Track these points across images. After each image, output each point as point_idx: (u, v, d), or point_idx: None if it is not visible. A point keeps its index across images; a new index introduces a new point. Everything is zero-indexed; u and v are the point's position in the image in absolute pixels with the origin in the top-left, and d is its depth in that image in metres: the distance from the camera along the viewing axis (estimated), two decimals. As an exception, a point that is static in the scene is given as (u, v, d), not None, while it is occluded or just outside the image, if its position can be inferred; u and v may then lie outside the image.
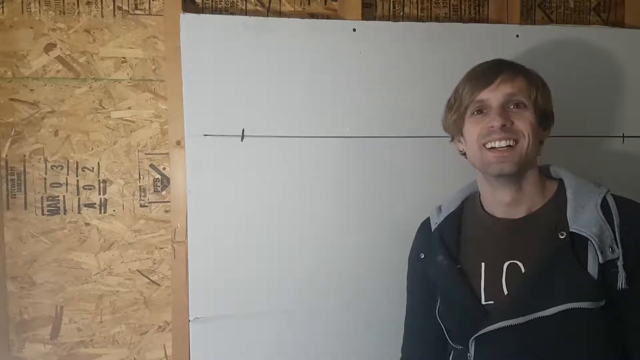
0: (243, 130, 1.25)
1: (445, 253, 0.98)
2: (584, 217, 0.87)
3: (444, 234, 1.01)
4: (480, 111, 0.93)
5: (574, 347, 0.85)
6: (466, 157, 1.00)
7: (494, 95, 0.91)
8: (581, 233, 0.86)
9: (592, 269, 0.85)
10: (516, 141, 0.90)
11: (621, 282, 0.84)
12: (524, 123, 0.90)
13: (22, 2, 1.25)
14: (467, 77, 0.97)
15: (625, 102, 1.40)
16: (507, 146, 0.90)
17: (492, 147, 0.91)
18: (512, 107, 0.91)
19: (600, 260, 0.84)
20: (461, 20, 1.43)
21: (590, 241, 0.85)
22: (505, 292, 0.90)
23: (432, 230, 1.05)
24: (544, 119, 0.95)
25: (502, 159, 0.90)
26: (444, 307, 0.99)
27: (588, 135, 1.39)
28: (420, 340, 1.08)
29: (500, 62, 0.95)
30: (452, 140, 1.04)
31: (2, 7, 1.24)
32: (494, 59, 0.98)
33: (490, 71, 0.93)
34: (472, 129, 0.94)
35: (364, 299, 1.30)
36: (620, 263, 0.84)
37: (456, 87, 0.98)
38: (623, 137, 1.40)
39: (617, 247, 0.84)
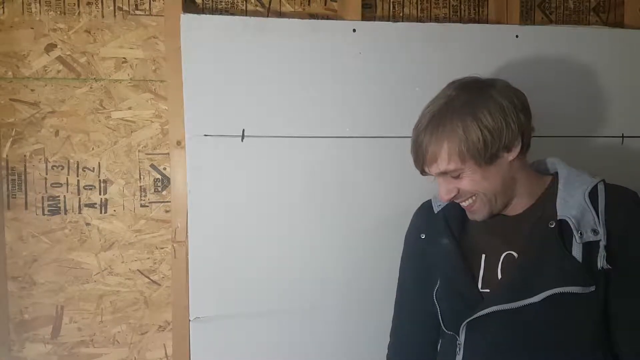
0: (243, 131, 1.25)
1: (450, 236, 0.99)
2: (569, 205, 0.89)
3: (449, 217, 1.01)
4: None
5: (563, 332, 0.87)
6: None
7: (431, 171, 0.93)
8: (563, 217, 0.88)
9: (576, 252, 0.86)
10: (474, 195, 0.92)
11: (601, 262, 0.85)
12: (468, 186, 0.91)
13: (23, 3, 1.25)
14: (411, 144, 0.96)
15: (625, 102, 1.40)
16: (469, 203, 0.93)
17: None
18: (451, 176, 0.91)
19: (578, 241, 0.85)
20: (461, 20, 1.43)
21: (570, 223, 0.86)
22: (499, 279, 0.92)
23: (436, 212, 1.05)
24: (503, 146, 0.89)
25: (471, 212, 0.95)
26: (443, 290, 0.99)
27: (587, 136, 1.39)
28: (410, 320, 1.09)
29: (425, 131, 0.91)
30: None
31: (3, 7, 1.25)
32: (418, 127, 0.93)
33: (418, 149, 0.92)
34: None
35: (364, 299, 1.31)
36: (602, 243, 0.85)
37: None
38: (622, 137, 1.40)
39: (601, 228, 0.85)
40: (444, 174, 0.91)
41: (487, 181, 0.90)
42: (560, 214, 0.88)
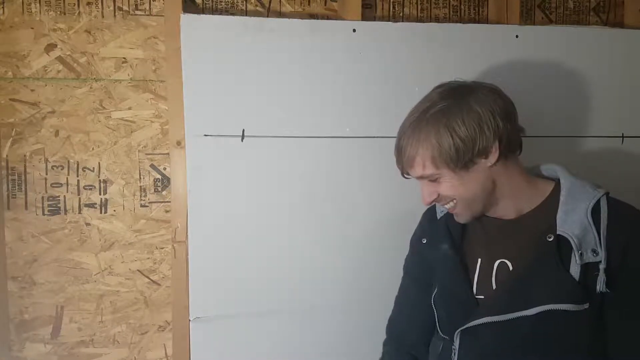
0: (243, 130, 1.25)
1: (450, 243, 0.99)
2: (571, 220, 0.88)
3: (450, 224, 1.02)
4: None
5: (554, 347, 0.87)
6: None
7: (411, 176, 0.95)
8: (564, 234, 0.87)
9: (574, 271, 0.85)
10: (454, 199, 0.93)
11: (601, 285, 0.84)
12: (446, 191, 0.92)
13: (23, 3, 1.25)
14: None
15: (625, 102, 1.40)
16: (451, 206, 0.94)
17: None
18: (430, 180, 0.92)
19: (578, 261, 0.85)
20: (461, 20, 1.43)
21: (571, 242, 0.86)
22: (494, 289, 0.92)
23: (438, 217, 1.05)
24: (477, 153, 0.88)
25: (454, 214, 0.96)
26: (440, 295, 1.00)
27: (588, 136, 1.39)
28: (410, 319, 1.10)
29: (401, 143, 0.93)
30: None
31: (3, 7, 1.25)
32: (399, 134, 0.95)
33: (397, 158, 0.95)
34: None
35: (364, 299, 1.31)
36: (602, 266, 0.84)
37: None
38: (622, 137, 1.40)
39: (601, 250, 0.85)
40: (422, 178, 0.93)
41: (465, 186, 0.91)
42: (561, 230, 0.87)
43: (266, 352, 1.28)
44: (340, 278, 1.30)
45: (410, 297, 1.10)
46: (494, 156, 0.89)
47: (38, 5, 1.26)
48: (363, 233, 1.30)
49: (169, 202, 1.31)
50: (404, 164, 0.93)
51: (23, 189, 1.27)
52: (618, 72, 1.39)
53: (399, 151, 0.94)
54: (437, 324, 1.01)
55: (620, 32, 1.42)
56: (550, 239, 0.88)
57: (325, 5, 1.38)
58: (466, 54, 1.32)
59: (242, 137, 1.25)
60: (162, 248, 1.33)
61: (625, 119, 1.40)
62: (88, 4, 1.27)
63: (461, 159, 0.88)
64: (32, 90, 1.26)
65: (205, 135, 1.23)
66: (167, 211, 1.32)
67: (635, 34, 1.42)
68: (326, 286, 1.30)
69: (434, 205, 1.07)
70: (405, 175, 0.96)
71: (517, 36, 1.34)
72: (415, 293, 1.08)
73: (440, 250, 1.00)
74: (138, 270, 1.32)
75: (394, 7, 1.41)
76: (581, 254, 0.85)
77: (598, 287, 0.84)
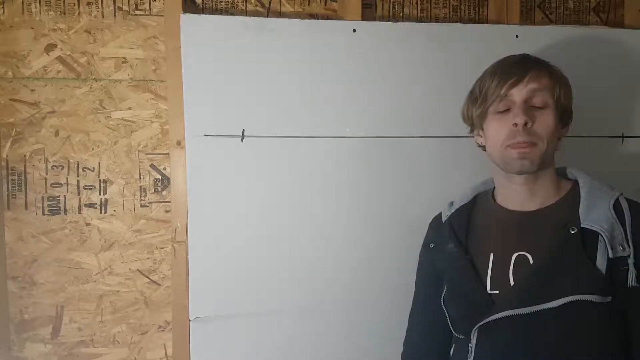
0: (243, 130, 1.25)
1: (455, 242, 0.99)
2: (595, 214, 0.89)
3: (454, 224, 1.02)
4: (504, 108, 0.94)
5: (576, 340, 0.86)
6: (484, 150, 1.01)
7: (519, 92, 0.92)
8: (592, 228, 0.87)
9: (601, 264, 0.86)
10: (534, 144, 0.91)
11: (632, 280, 0.85)
12: (543, 126, 0.91)
13: (23, 3, 1.25)
14: (494, 71, 0.96)
15: (625, 102, 1.40)
16: (529, 145, 0.92)
17: (515, 143, 0.92)
18: (535, 104, 0.92)
19: (610, 255, 0.85)
20: (461, 20, 1.43)
21: (601, 236, 0.86)
22: (512, 283, 0.91)
23: (443, 221, 1.06)
24: (565, 116, 0.96)
25: (524, 154, 0.91)
26: (449, 295, 0.99)
27: (587, 136, 1.39)
28: (425, 333, 1.09)
29: (527, 58, 0.96)
30: (472, 132, 1.04)
31: (3, 7, 1.25)
32: (520, 53, 0.98)
33: (519, 66, 0.93)
34: (495, 127, 0.95)
35: (366, 300, 1.30)
36: (631, 261, 0.85)
37: (481, 79, 0.98)
38: (622, 137, 1.40)
39: (628, 245, 0.86)
40: (531, 97, 0.91)
41: (553, 134, 0.93)
42: (587, 223, 0.88)
43: (266, 352, 1.28)
44: (340, 278, 1.30)
45: (420, 308, 1.09)
46: (566, 130, 0.98)
47: (38, 5, 1.26)
48: (363, 233, 1.30)
49: (169, 202, 1.31)
50: (529, 72, 0.91)
51: (23, 189, 1.27)
52: (618, 72, 1.39)
53: (525, 63, 0.94)
54: (450, 323, 0.99)
55: (620, 32, 1.41)
56: (574, 231, 0.88)
57: (325, 5, 1.38)
58: (466, 54, 1.32)
59: (242, 137, 1.25)
60: (162, 248, 1.33)
61: (625, 119, 1.40)
62: (88, 4, 1.27)
63: (566, 111, 0.95)
64: (32, 90, 1.26)
65: (205, 135, 1.23)
66: (167, 211, 1.32)
67: (635, 34, 1.42)
68: (326, 286, 1.30)
69: (440, 214, 1.09)
70: (503, 93, 0.92)
71: (517, 36, 1.35)
72: (424, 304, 1.08)
73: (446, 250, 1.00)
74: (138, 270, 1.32)
75: (394, 7, 1.41)
76: (612, 247, 0.86)
77: (629, 282, 0.85)
